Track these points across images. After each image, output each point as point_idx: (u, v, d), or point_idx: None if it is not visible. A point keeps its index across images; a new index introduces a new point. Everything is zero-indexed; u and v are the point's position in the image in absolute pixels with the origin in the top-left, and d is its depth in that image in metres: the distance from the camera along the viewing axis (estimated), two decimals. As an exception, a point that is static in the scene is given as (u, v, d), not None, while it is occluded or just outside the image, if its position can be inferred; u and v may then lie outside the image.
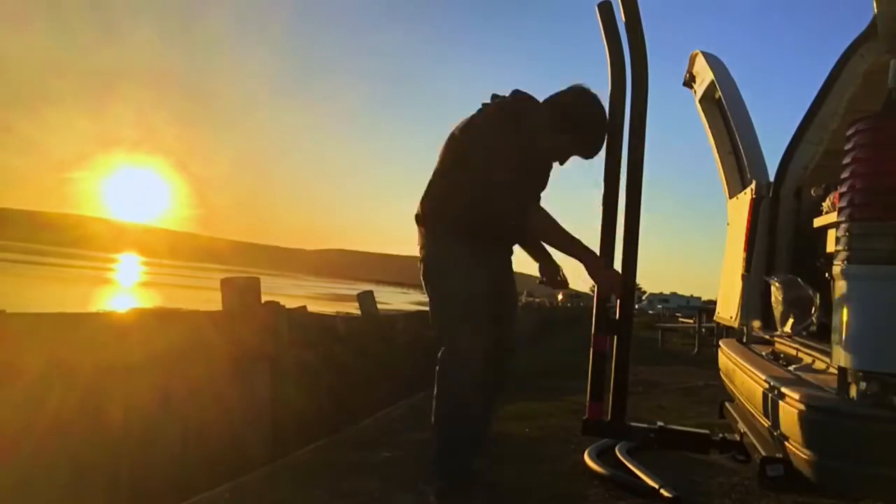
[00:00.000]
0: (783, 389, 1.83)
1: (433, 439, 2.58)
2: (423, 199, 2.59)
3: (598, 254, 2.53)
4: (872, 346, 1.56)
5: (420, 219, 2.58)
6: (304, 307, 3.78)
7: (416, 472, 3.00)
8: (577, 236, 2.50)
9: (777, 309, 2.62)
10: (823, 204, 2.48)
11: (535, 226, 2.52)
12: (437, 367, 2.53)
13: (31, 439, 2.09)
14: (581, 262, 2.50)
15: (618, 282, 2.53)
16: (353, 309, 5.48)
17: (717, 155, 3.56)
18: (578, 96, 2.60)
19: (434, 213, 2.55)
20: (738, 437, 2.58)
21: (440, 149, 2.60)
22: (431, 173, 2.61)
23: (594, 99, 2.58)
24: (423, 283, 2.60)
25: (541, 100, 2.61)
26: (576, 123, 2.56)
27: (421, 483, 2.58)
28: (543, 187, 2.71)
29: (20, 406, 2.08)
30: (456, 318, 2.50)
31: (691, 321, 16.26)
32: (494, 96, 2.59)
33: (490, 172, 2.42)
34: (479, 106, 2.60)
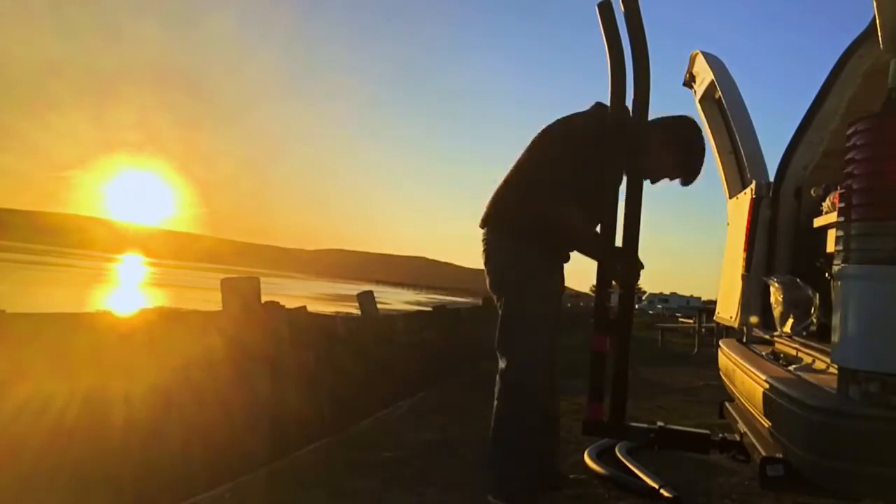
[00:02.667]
0: (783, 389, 1.83)
1: (493, 454, 2.56)
2: (507, 193, 2.65)
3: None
4: (872, 346, 1.56)
5: (499, 210, 2.65)
6: (304, 307, 3.77)
7: (416, 472, 3.00)
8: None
9: (777, 309, 2.62)
10: (823, 204, 2.48)
11: (566, 222, 2.57)
12: (503, 379, 2.56)
13: (33, 441, 2.09)
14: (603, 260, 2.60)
15: (637, 266, 2.61)
16: (353, 309, 5.48)
17: (717, 155, 3.56)
18: (692, 126, 2.70)
19: (518, 214, 2.60)
20: (738, 437, 2.57)
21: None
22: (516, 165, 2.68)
23: (701, 132, 2.74)
24: (494, 290, 2.67)
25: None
26: (688, 150, 2.66)
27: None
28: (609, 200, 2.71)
29: (22, 407, 2.08)
30: (526, 329, 2.57)
31: (691, 321, 16.26)
32: (600, 104, 2.65)
33: (539, 174, 2.57)
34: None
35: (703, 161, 2.69)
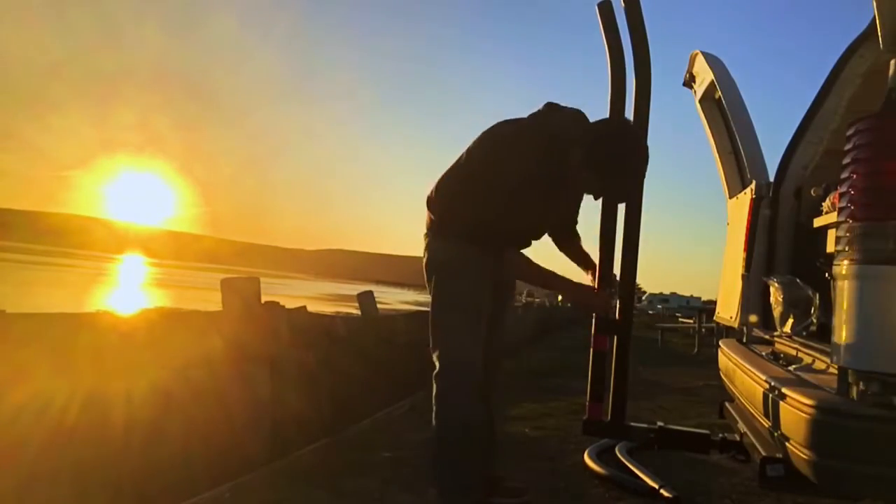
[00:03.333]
0: (783, 389, 1.83)
1: (435, 451, 2.44)
2: (438, 190, 2.44)
3: (579, 283, 2.52)
4: (872, 346, 1.56)
5: (430, 207, 2.46)
6: (304, 307, 3.77)
7: (416, 472, 3.00)
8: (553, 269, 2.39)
9: (777, 309, 2.62)
10: (823, 204, 2.48)
11: (513, 262, 2.40)
12: (437, 374, 2.45)
13: (34, 441, 2.09)
14: (568, 294, 2.55)
15: (607, 300, 2.52)
16: (353, 309, 5.48)
17: (717, 155, 3.56)
18: (622, 138, 2.30)
19: (446, 213, 2.41)
20: (738, 437, 2.58)
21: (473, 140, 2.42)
22: (456, 161, 2.43)
23: (636, 144, 2.31)
24: (427, 280, 2.49)
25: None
26: (609, 170, 2.26)
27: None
28: (567, 216, 2.62)
29: (22, 408, 2.08)
30: (459, 324, 2.42)
31: (691, 321, 16.28)
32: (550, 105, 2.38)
33: (496, 197, 2.29)
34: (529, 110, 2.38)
35: (633, 180, 2.41)
